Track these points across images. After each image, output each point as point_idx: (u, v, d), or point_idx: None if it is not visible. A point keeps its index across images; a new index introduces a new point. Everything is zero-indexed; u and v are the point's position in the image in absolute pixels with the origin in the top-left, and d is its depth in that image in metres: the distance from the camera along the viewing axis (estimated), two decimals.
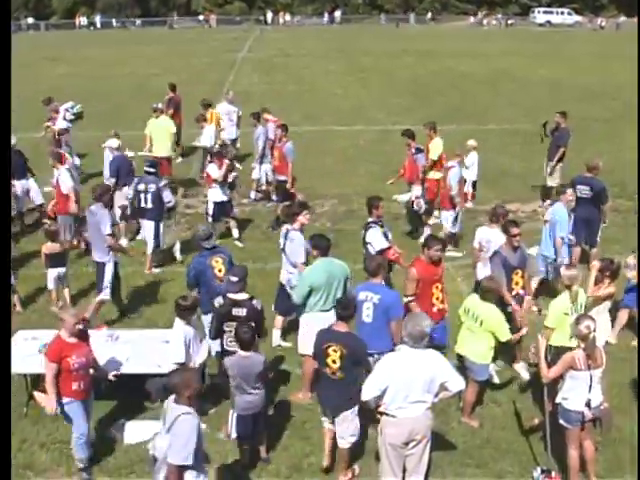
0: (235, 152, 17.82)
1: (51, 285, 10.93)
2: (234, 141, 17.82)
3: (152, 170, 12.47)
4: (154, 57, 36.02)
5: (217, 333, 8.09)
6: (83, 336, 7.58)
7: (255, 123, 15.78)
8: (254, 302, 8.02)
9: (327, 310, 8.42)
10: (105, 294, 10.43)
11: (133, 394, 8.68)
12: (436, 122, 14.57)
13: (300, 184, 15.57)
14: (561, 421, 7.18)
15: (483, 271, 9.63)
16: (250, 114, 16.07)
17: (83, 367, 7.37)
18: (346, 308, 7.38)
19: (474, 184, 15.56)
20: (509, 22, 71.25)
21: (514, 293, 9.17)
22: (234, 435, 7.60)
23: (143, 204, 12.31)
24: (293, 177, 14.48)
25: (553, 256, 10.95)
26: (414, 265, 8.62)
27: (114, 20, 73.50)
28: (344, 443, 7.34)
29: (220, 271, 9.17)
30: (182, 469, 5.98)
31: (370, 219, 9.99)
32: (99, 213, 10.22)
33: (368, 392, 6.60)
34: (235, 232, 13.70)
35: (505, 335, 8.13)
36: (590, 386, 7.01)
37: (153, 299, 11.47)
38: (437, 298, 8.68)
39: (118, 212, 12.99)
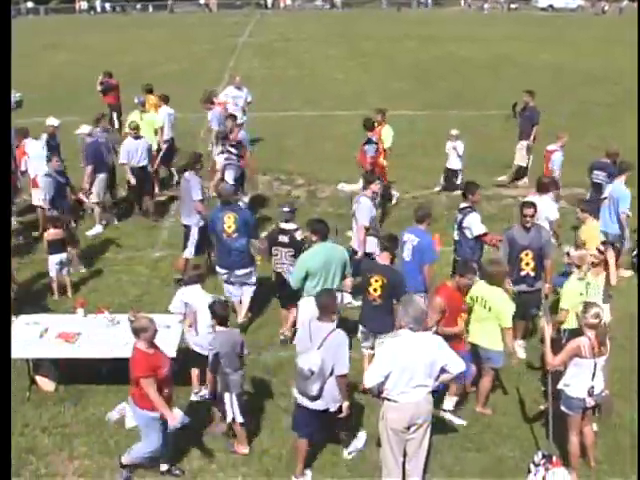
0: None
1: (52, 272, 10.93)
2: (240, 126, 17.69)
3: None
4: (155, 43, 35.88)
5: (269, 256, 9.52)
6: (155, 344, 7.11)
7: (208, 107, 15.80)
8: (297, 232, 9.33)
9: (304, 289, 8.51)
10: (189, 253, 11.08)
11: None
12: (387, 108, 14.73)
13: (301, 168, 15.62)
14: (563, 407, 7.17)
15: None
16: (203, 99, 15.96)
17: (168, 377, 7.01)
18: (391, 241, 8.52)
19: (455, 173, 15.35)
20: (512, 6, 70.80)
21: (523, 274, 9.16)
22: (240, 419, 7.53)
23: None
24: (251, 168, 14.07)
25: (615, 232, 11.02)
26: (440, 293, 7.89)
27: (114, 4, 73.09)
28: None
29: (229, 227, 9.69)
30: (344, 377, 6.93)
31: (464, 204, 9.99)
32: (192, 180, 10.97)
33: (372, 379, 6.60)
34: None
35: (507, 322, 7.97)
36: (593, 374, 7.01)
37: (155, 284, 11.47)
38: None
39: (95, 196, 13.08)
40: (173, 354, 8.41)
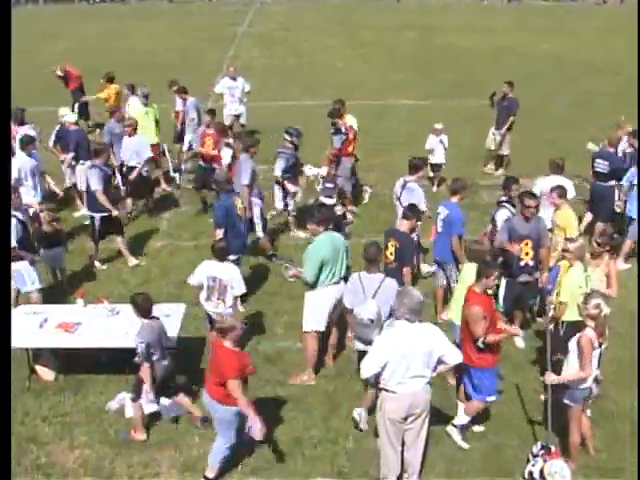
0: (241, 128, 17.82)
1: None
2: (238, 117, 17.66)
3: None
4: (155, 32, 35.72)
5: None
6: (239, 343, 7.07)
7: (183, 96, 15.77)
8: (337, 207, 10.26)
9: (337, 282, 8.52)
10: (260, 232, 11.59)
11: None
12: (344, 100, 14.22)
13: (301, 158, 15.52)
14: (566, 401, 7.14)
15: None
16: (177, 88, 15.90)
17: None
18: (411, 210, 9.19)
19: (436, 167, 14.94)
20: None
21: (523, 263, 9.18)
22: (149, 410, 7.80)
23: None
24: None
25: None
26: (474, 301, 7.36)
27: None
28: None
29: (240, 210, 10.06)
30: None
31: (503, 197, 10.10)
32: (244, 163, 11.32)
33: (368, 369, 6.59)
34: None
35: None
36: (598, 362, 7.04)
37: (155, 273, 11.47)
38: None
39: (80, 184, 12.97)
40: (172, 343, 8.45)
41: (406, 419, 6.72)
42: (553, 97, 22.40)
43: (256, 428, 6.72)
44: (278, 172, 12.24)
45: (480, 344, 7.22)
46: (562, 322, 8.15)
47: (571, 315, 8.02)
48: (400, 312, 6.64)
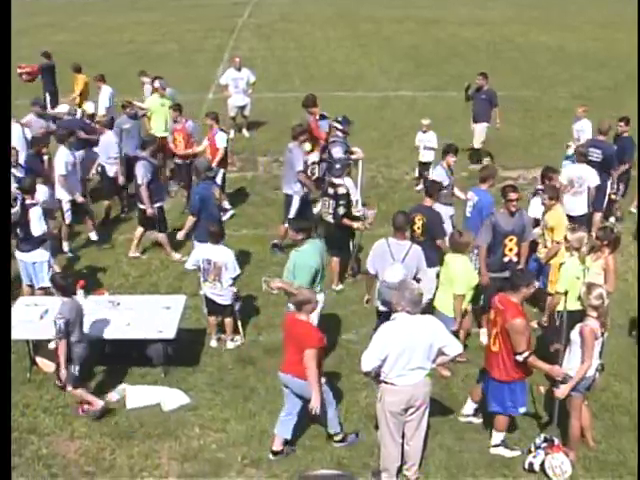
0: (244, 120, 17.79)
1: None
2: (242, 108, 17.61)
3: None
4: (154, 23, 35.65)
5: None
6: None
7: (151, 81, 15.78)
8: (343, 187, 10.40)
9: (319, 292, 8.21)
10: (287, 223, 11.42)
11: (134, 359, 8.74)
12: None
13: None
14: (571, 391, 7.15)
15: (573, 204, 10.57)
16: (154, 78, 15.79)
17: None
18: (432, 187, 9.59)
19: (428, 166, 14.11)
20: None
21: (507, 259, 9.06)
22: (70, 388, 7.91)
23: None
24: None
25: None
26: (517, 313, 7.05)
27: None
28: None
29: (217, 200, 10.37)
30: None
31: (539, 187, 10.28)
32: (295, 150, 11.46)
33: (368, 363, 6.58)
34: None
35: (458, 289, 8.29)
36: (600, 352, 7.06)
37: (155, 265, 11.48)
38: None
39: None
40: (173, 335, 8.49)
41: (406, 411, 6.73)
42: (553, 89, 22.35)
43: (316, 404, 6.87)
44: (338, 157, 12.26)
45: (521, 358, 7.01)
46: (557, 312, 8.16)
47: (568, 305, 8.03)
48: (400, 305, 6.65)
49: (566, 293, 7.80)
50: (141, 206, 11.46)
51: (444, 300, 8.49)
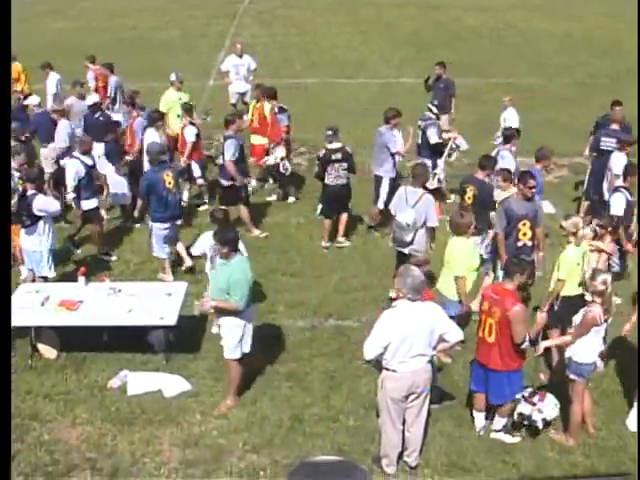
0: (245, 106, 17.69)
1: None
2: (243, 95, 17.54)
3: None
4: (157, 10, 35.50)
5: (322, 174, 11.37)
6: None
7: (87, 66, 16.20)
8: (346, 147, 11.31)
9: (249, 305, 7.87)
10: (382, 203, 11.81)
11: (135, 346, 8.75)
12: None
13: (302, 136, 15.51)
14: (572, 375, 7.19)
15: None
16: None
17: None
18: (486, 160, 10.08)
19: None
20: None
21: (521, 244, 9.14)
22: None
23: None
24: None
25: None
26: (515, 300, 7.05)
27: None
28: None
29: (170, 184, 10.30)
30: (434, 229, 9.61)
31: (620, 183, 10.17)
32: (386, 134, 11.74)
33: (371, 351, 6.58)
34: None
35: (458, 270, 8.26)
36: (604, 338, 7.09)
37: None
38: None
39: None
40: (174, 321, 8.50)
41: (407, 398, 6.74)
42: (557, 76, 22.26)
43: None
44: (435, 139, 12.45)
45: (524, 346, 7.03)
46: (557, 297, 8.19)
47: (567, 290, 8.09)
48: (402, 292, 6.64)
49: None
50: (225, 182, 11.53)
51: (447, 283, 8.48)
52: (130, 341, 8.73)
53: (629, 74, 21.56)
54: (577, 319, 7.08)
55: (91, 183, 11.02)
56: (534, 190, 9.15)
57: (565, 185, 14.19)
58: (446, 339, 6.73)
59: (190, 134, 12.66)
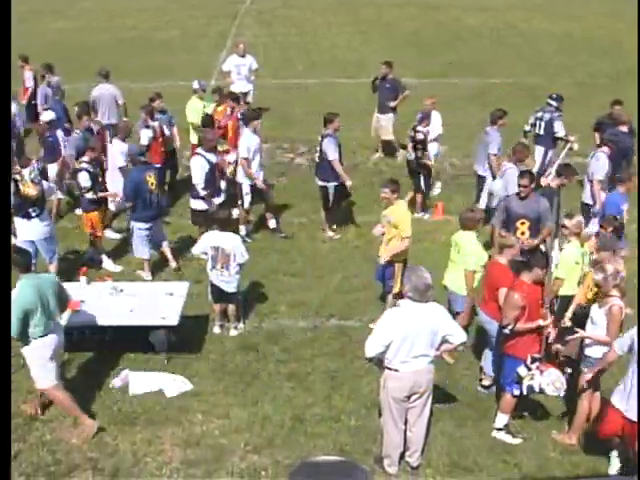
0: (246, 107, 17.70)
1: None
2: (245, 95, 17.53)
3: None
4: (157, 10, 35.52)
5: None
6: None
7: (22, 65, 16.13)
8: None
9: (44, 335, 7.22)
10: (484, 202, 11.74)
11: (137, 346, 8.76)
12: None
13: (302, 135, 15.53)
14: (585, 369, 7.21)
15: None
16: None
17: None
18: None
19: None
20: None
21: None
22: None
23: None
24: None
25: None
26: (517, 288, 7.28)
27: None
28: None
29: (152, 184, 10.47)
30: None
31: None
32: (492, 134, 11.80)
33: (372, 349, 6.59)
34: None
35: (468, 265, 8.27)
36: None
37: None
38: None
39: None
40: (175, 321, 8.51)
41: (409, 397, 6.75)
42: (557, 77, 22.25)
43: None
44: (562, 132, 12.67)
45: (507, 331, 7.19)
46: (556, 297, 8.21)
47: (566, 290, 8.11)
48: (404, 291, 6.68)
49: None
50: (330, 184, 11.70)
51: (455, 279, 8.47)
52: (131, 341, 8.73)
53: (629, 74, 21.55)
54: (595, 314, 7.11)
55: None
56: (523, 189, 9.17)
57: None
58: (449, 341, 6.73)
59: (144, 137, 12.27)
